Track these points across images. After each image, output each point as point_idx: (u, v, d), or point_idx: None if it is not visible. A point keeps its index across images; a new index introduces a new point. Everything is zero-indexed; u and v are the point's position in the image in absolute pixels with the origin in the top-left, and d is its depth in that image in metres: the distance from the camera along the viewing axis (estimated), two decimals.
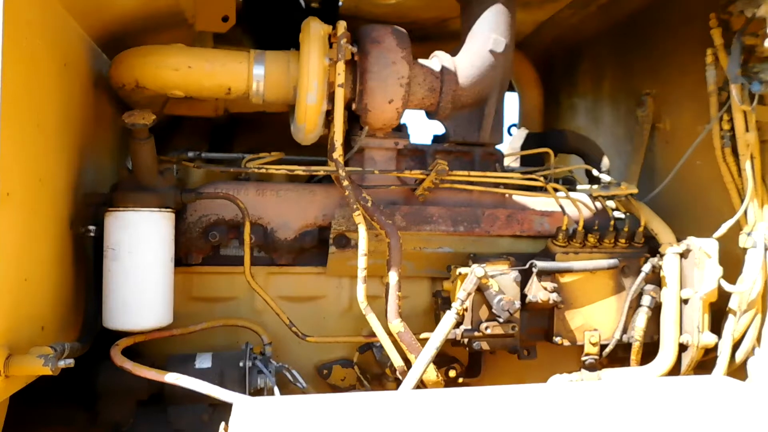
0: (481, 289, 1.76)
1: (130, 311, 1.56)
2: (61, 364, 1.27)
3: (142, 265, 1.57)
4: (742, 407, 1.35)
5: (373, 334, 1.92)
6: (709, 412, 1.31)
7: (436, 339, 1.68)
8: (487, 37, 1.89)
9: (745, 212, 1.90)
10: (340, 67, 1.70)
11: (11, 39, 1.17)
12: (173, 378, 1.43)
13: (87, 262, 1.63)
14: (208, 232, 1.85)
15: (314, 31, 1.70)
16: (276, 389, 1.67)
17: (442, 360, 1.89)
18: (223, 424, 1.28)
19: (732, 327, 1.88)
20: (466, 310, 1.77)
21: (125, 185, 1.61)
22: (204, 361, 1.73)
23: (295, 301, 2.01)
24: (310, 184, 2.02)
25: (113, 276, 1.57)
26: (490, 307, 1.78)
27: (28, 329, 1.34)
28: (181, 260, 1.87)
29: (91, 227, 1.59)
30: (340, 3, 2.73)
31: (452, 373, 1.93)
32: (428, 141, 2.13)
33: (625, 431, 1.20)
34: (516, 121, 3.17)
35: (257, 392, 1.70)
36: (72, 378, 1.53)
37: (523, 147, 2.52)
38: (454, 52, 1.96)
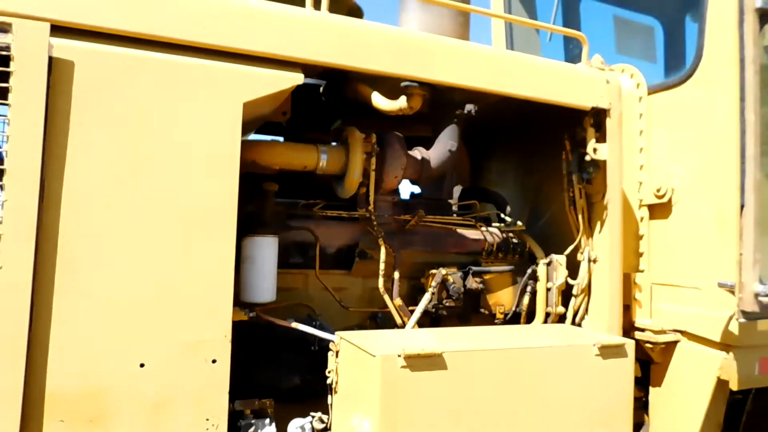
0: (444, 281, 3.20)
1: (261, 291, 2.82)
2: (252, 314, 2.53)
3: (265, 268, 2.84)
4: (576, 333, 2.90)
5: (381, 308, 3.31)
6: (558, 335, 2.84)
7: (421, 307, 3.10)
8: (446, 142, 3.37)
9: (580, 241, 3.51)
10: (373, 160, 3.08)
11: None
12: (296, 325, 2.72)
13: None
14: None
15: (357, 136, 3.06)
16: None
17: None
18: (331, 344, 2.59)
19: (573, 303, 3.46)
20: (434, 293, 3.20)
21: (256, 219, 2.86)
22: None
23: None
24: (341, 220, 3.35)
25: (249, 273, 2.82)
26: (447, 291, 3.22)
27: None
28: None
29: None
30: None
31: None
32: (407, 196, 3.57)
33: (518, 340, 2.67)
34: None
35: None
36: None
37: (460, 198, 4.03)
38: (427, 147, 3.42)
